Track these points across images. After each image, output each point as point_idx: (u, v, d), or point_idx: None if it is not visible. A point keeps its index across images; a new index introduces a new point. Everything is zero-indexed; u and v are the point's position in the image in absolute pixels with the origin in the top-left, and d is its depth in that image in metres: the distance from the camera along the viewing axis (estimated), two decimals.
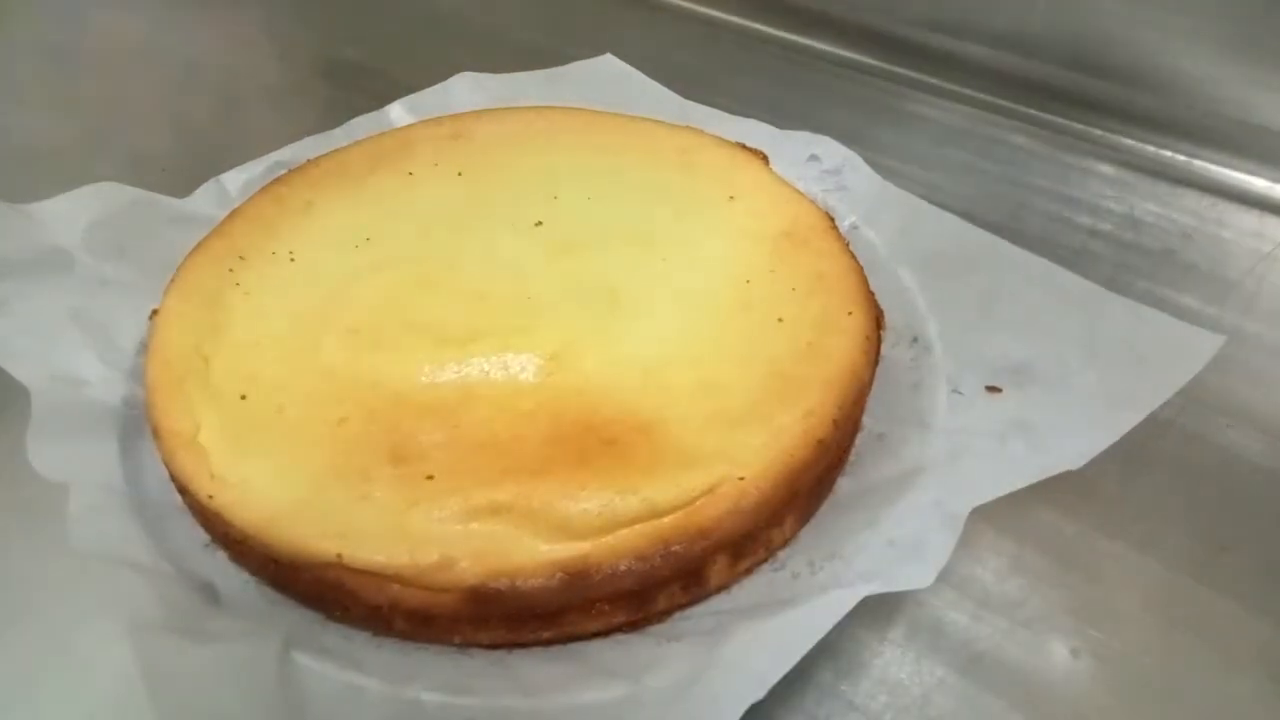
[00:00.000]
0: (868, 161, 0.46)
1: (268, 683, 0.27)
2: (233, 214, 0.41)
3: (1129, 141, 0.54)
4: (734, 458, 0.30)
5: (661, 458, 0.30)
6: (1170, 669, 0.31)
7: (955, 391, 0.36)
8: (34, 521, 0.33)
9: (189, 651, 0.27)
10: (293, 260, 0.39)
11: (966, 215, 0.42)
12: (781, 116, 0.49)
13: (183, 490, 0.32)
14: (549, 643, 0.30)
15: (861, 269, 0.38)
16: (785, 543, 0.32)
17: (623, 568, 0.28)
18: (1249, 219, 0.50)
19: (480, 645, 0.29)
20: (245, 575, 0.31)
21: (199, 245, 0.39)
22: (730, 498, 0.29)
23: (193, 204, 0.45)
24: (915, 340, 0.38)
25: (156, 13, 0.73)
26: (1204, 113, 0.52)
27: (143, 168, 0.52)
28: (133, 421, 0.35)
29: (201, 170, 0.46)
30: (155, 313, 0.37)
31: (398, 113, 0.51)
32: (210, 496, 0.30)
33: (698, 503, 0.29)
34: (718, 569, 0.30)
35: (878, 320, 0.36)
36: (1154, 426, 0.33)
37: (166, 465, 0.32)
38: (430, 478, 0.30)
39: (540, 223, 0.40)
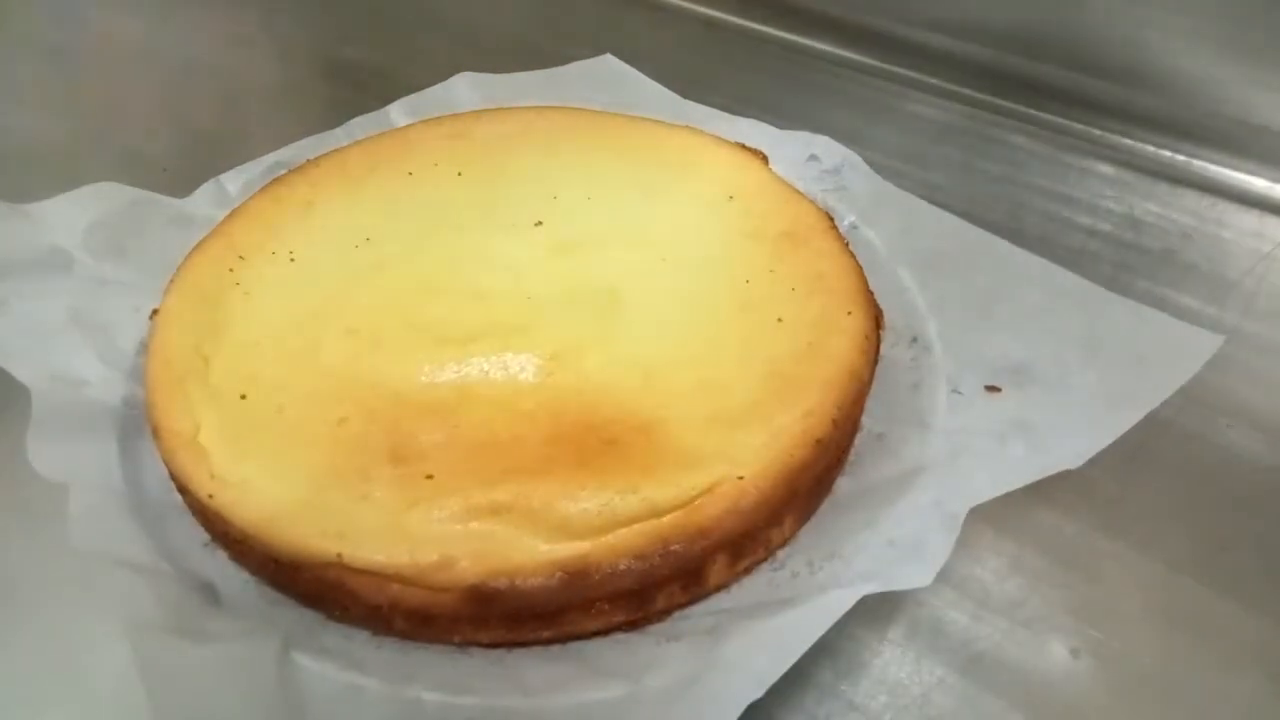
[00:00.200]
0: (868, 161, 0.46)
1: (268, 683, 0.27)
2: (233, 214, 0.41)
3: (1129, 141, 0.54)
4: (733, 457, 0.30)
5: (661, 457, 0.30)
6: (1170, 669, 0.31)
7: (955, 391, 0.36)
8: (34, 521, 0.33)
9: (189, 651, 0.27)
10: (293, 260, 0.39)
11: (966, 215, 0.42)
12: (781, 116, 0.49)
13: (183, 490, 0.32)
14: (549, 642, 0.30)
15: (861, 269, 0.38)
16: (785, 542, 0.32)
17: (622, 567, 0.28)
18: (1249, 219, 0.50)
19: (480, 645, 0.29)
20: (245, 575, 0.31)
21: (199, 245, 0.39)
22: (730, 497, 0.29)
23: (193, 204, 0.45)
24: (915, 340, 0.38)
25: (156, 13, 0.73)
26: (1204, 113, 0.52)
27: (143, 168, 0.52)
28: (133, 421, 0.35)
29: (201, 170, 0.46)
30: (155, 313, 0.37)
31: (398, 113, 0.51)
32: (210, 496, 0.30)
33: (697, 502, 0.29)
34: (717, 568, 0.30)
35: (877, 320, 0.36)
36: (1154, 426, 0.33)
37: (166, 465, 0.32)
38: (430, 477, 0.30)
39: (540, 223, 0.40)
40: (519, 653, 0.29)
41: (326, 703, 0.27)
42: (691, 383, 0.33)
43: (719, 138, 0.45)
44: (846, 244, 0.39)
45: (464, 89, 0.53)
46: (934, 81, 0.60)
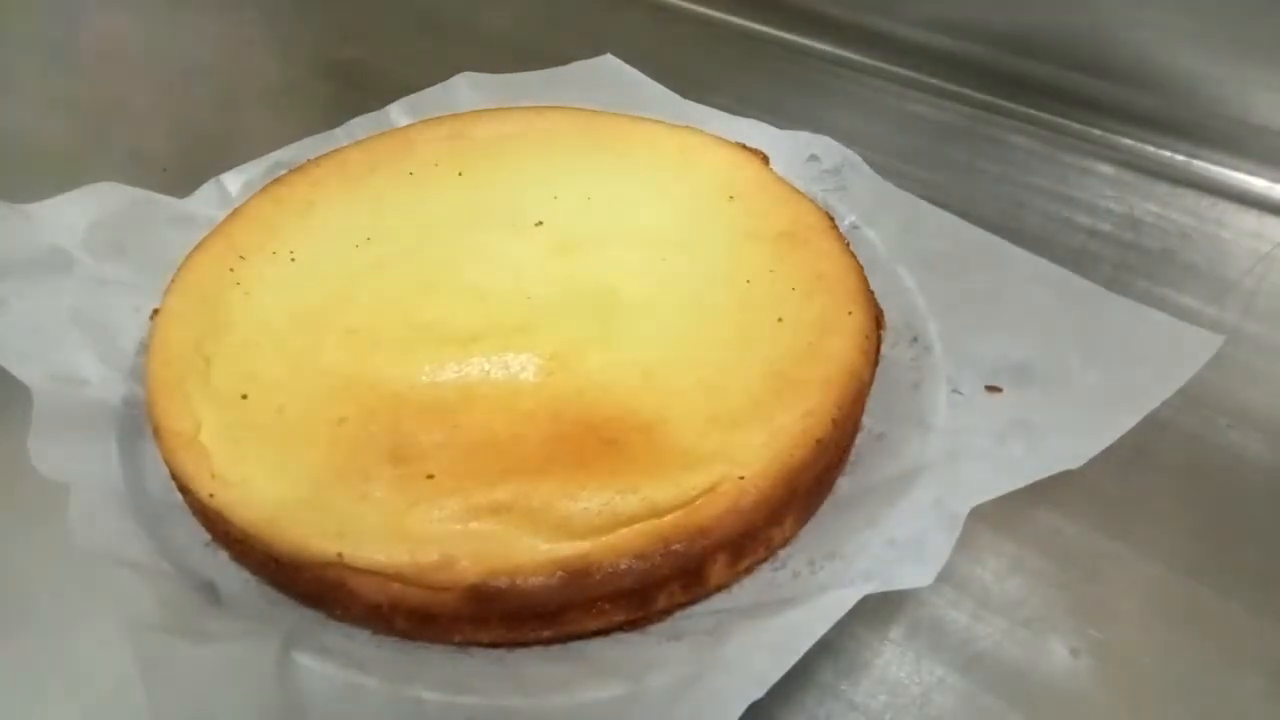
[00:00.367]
0: (868, 161, 0.46)
1: (268, 683, 0.27)
2: (233, 214, 0.41)
3: (1129, 141, 0.54)
4: (734, 457, 0.30)
5: (661, 457, 0.30)
6: (1170, 669, 0.31)
7: (955, 391, 0.36)
8: (34, 521, 0.33)
9: (189, 651, 0.27)
10: (293, 260, 0.39)
11: (966, 215, 0.42)
12: (781, 116, 0.49)
13: (183, 489, 0.32)
14: (549, 642, 0.30)
15: (861, 269, 0.38)
16: (785, 542, 0.32)
17: (623, 567, 0.28)
18: (1249, 219, 0.50)
19: (480, 644, 0.29)
20: (246, 574, 0.31)
21: (199, 245, 0.39)
22: (730, 497, 0.29)
23: (193, 204, 0.45)
24: (915, 340, 0.38)
25: (156, 13, 0.73)
26: (1204, 113, 0.52)
27: (143, 168, 0.52)
28: (133, 421, 0.35)
29: (201, 170, 0.46)
30: (155, 313, 0.37)
31: (397, 113, 0.51)
32: (211, 495, 0.30)
33: (698, 502, 0.29)
34: (718, 568, 0.30)
35: (877, 320, 0.36)
36: (1154, 426, 0.33)
37: (167, 465, 0.32)
38: (430, 477, 0.30)
39: (540, 223, 0.40)
40: (519, 652, 0.29)
41: (327, 702, 0.27)
42: (692, 382, 0.33)
43: (719, 138, 0.45)
44: (847, 244, 0.39)
45: (464, 89, 0.53)
46: (934, 81, 0.60)
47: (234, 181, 0.46)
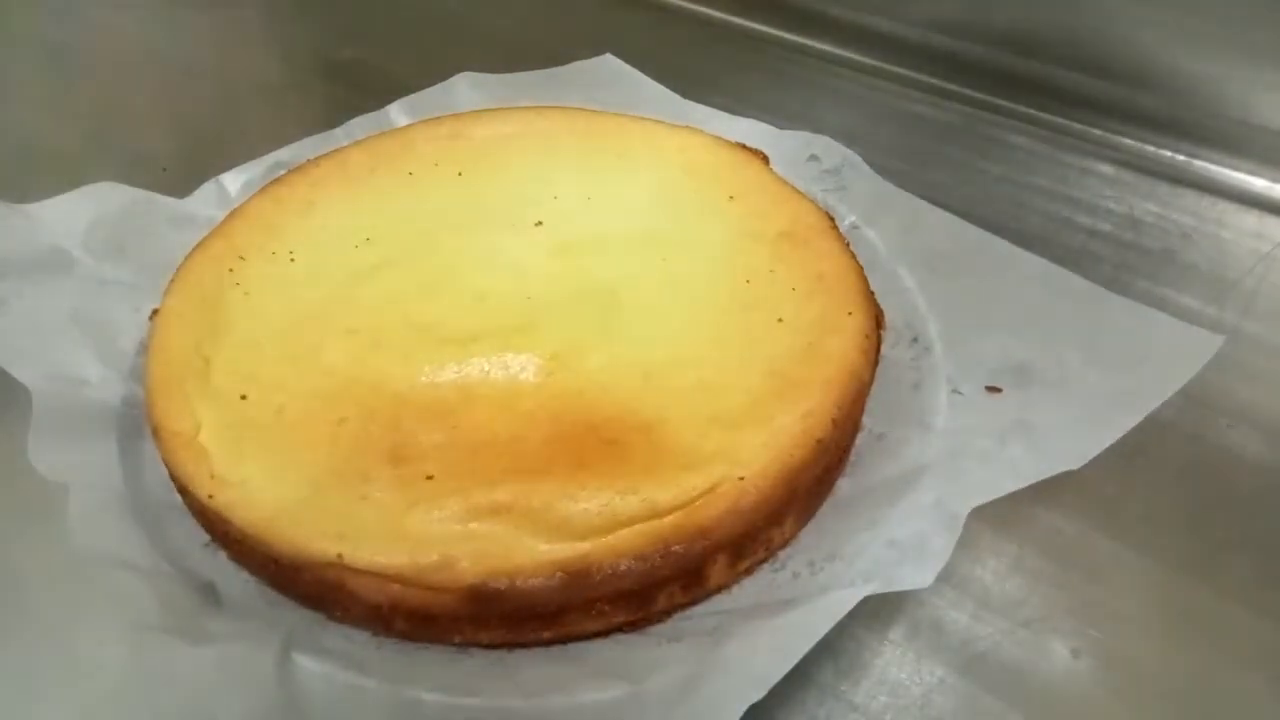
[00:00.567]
0: (868, 161, 0.46)
1: (268, 683, 0.27)
2: (233, 214, 0.41)
3: (1129, 141, 0.54)
4: (734, 457, 0.30)
5: (661, 458, 0.30)
6: (1170, 669, 0.31)
7: (955, 391, 0.36)
8: (34, 521, 0.33)
9: (188, 652, 0.27)
10: (293, 260, 0.39)
11: (966, 215, 0.42)
12: (781, 116, 0.49)
13: (183, 490, 0.32)
14: (549, 643, 0.30)
15: (861, 269, 0.38)
16: (785, 543, 0.32)
17: (623, 567, 0.28)
18: (1249, 219, 0.50)
19: (480, 645, 0.29)
20: (245, 575, 0.31)
21: (199, 245, 0.39)
22: (730, 497, 0.29)
23: (193, 204, 0.45)
24: (915, 340, 0.38)
25: (156, 13, 0.73)
26: (1204, 113, 0.52)
27: (143, 168, 0.52)
28: (132, 421, 0.35)
29: (201, 170, 0.46)
30: (155, 313, 0.37)
31: (397, 113, 0.51)
32: (210, 496, 0.30)
33: (698, 502, 0.29)
34: (718, 569, 0.30)
35: (877, 320, 0.36)
36: (1154, 426, 0.33)
37: (166, 465, 0.32)
38: (430, 478, 0.30)
39: (540, 223, 0.40)
40: (519, 653, 0.29)
41: (327, 703, 0.27)
42: (692, 383, 0.33)
43: (719, 138, 0.45)
44: (847, 244, 0.39)
45: (464, 89, 0.53)
46: (934, 81, 0.60)
47: (234, 181, 0.46)
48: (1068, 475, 0.31)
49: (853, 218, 0.44)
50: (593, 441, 0.31)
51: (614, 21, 0.70)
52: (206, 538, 0.32)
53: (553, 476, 0.30)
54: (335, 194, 0.42)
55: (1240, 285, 0.45)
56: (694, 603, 0.31)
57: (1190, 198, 0.51)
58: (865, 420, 0.36)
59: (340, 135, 0.50)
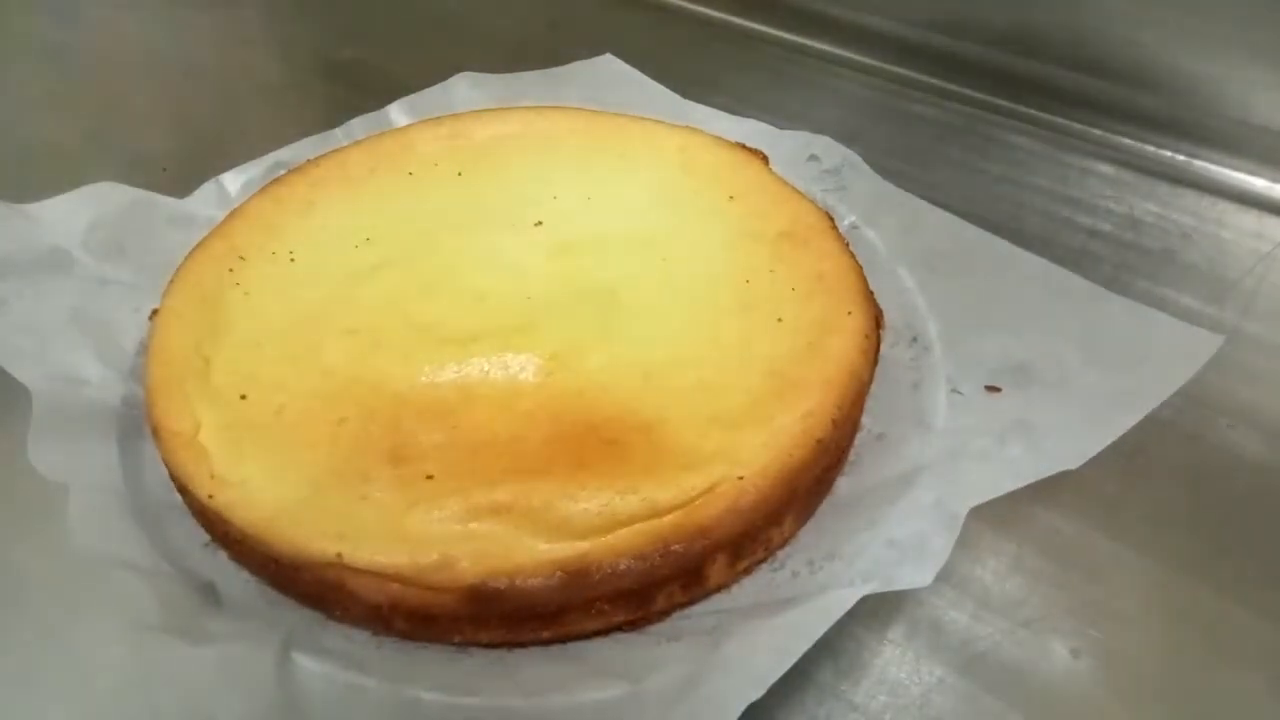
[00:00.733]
0: (868, 161, 0.46)
1: (268, 683, 0.27)
2: (233, 214, 0.41)
3: (1129, 141, 0.54)
4: (733, 457, 0.30)
5: (661, 457, 0.30)
6: (1170, 669, 0.31)
7: (955, 391, 0.36)
8: (34, 521, 0.33)
9: (188, 652, 0.27)
10: (293, 260, 0.39)
11: (966, 215, 0.42)
12: (781, 116, 0.49)
13: (183, 490, 0.32)
14: (549, 642, 0.30)
15: (861, 269, 0.38)
16: (785, 542, 0.32)
17: (622, 567, 0.28)
18: (1249, 219, 0.50)
19: (480, 645, 0.29)
20: (245, 575, 0.31)
21: (199, 245, 0.39)
22: (729, 497, 0.29)
23: (193, 204, 0.45)
24: (915, 340, 0.38)
25: (156, 13, 0.73)
26: (1204, 113, 0.52)
27: (143, 168, 0.52)
28: (132, 421, 0.35)
29: (201, 170, 0.46)
30: (155, 313, 0.37)
31: (397, 113, 0.52)
32: (210, 496, 0.30)
33: (697, 502, 0.29)
34: (717, 568, 0.30)
35: (877, 320, 0.36)
36: (1154, 426, 0.33)
37: (166, 465, 0.32)
38: (430, 478, 0.30)
39: (540, 223, 0.40)
40: (519, 653, 0.29)
41: (327, 703, 0.27)
42: (691, 383, 0.33)
43: (719, 138, 0.45)
44: (847, 244, 0.39)
45: (464, 89, 0.53)
46: (934, 81, 0.60)
47: (234, 181, 0.46)
48: (1067, 475, 0.31)
49: (852, 218, 0.44)
50: (593, 441, 0.31)
51: (614, 21, 0.70)
52: (206, 538, 0.32)
53: (553, 476, 0.30)
54: (335, 194, 0.43)
55: (1240, 285, 0.45)
56: (693, 602, 0.31)
57: (1190, 198, 0.51)
58: (865, 420, 0.36)
59: (340, 135, 0.50)
